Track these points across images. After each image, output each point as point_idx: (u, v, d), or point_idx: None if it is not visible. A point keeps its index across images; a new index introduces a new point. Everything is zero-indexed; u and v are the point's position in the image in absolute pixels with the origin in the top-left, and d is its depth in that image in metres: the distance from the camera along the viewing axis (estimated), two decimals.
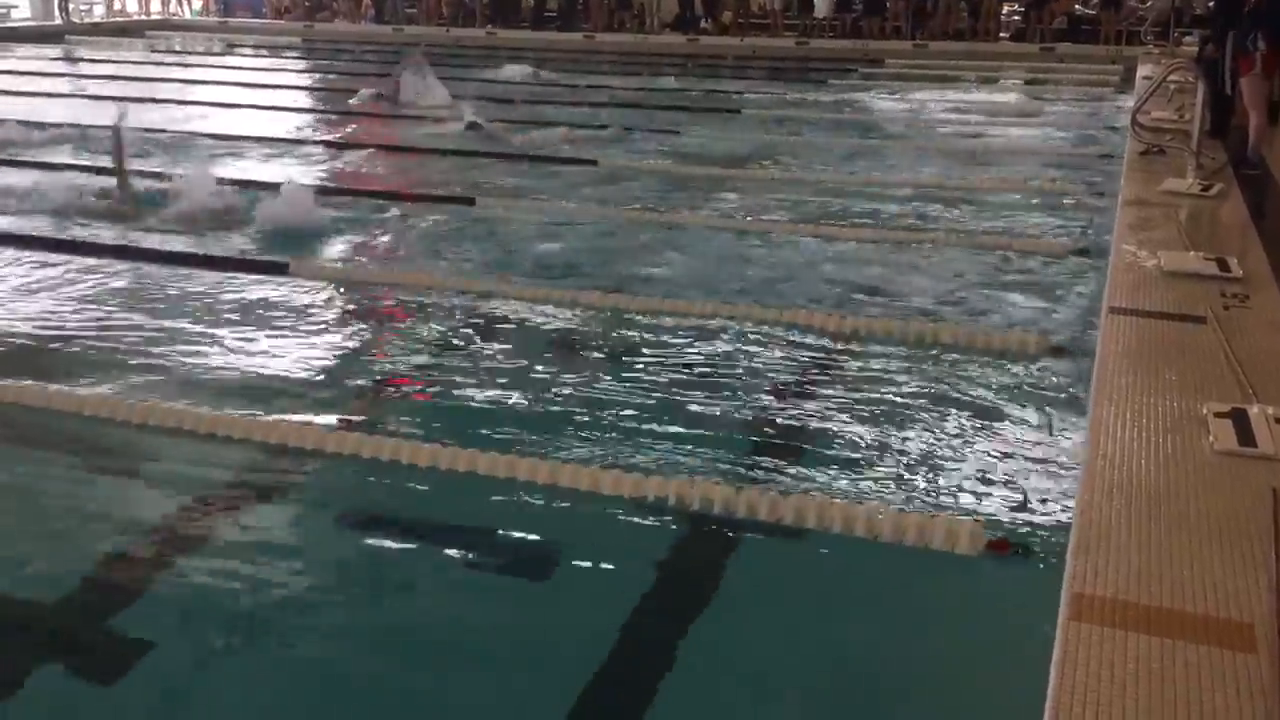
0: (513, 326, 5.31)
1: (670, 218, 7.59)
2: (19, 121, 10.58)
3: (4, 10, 23.08)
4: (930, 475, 3.75)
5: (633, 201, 8.11)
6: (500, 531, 3.47)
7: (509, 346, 5.02)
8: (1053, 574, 2.73)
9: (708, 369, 4.74)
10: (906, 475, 3.76)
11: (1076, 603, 2.36)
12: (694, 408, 4.32)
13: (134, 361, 4.75)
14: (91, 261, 6.25)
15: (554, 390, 4.49)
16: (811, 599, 3.12)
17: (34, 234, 6.83)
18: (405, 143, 10.69)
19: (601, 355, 4.94)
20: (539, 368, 4.75)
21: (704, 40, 21.47)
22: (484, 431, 4.06)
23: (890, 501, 3.56)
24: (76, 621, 3.02)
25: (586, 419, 4.19)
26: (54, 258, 6.31)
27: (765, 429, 4.18)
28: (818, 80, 16.62)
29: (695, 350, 4.96)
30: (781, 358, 4.91)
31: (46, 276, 5.98)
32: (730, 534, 3.41)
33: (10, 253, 6.43)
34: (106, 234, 6.88)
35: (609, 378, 4.63)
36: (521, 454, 3.80)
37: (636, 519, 3.47)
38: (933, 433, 4.09)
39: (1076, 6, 21.04)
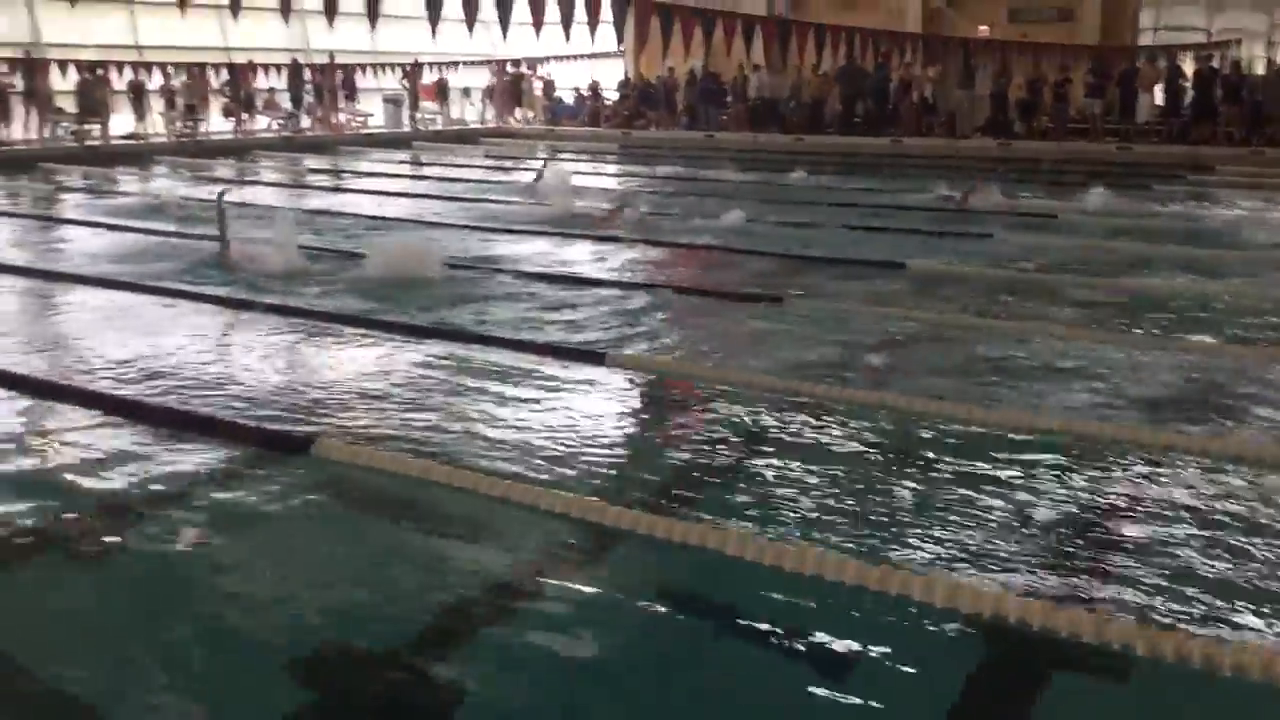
0: (820, 427, 5.29)
1: (988, 324, 7.39)
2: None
3: (363, 120, 25.82)
4: None
5: (946, 306, 7.95)
6: (801, 627, 3.42)
7: (816, 446, 5.00)
8: None
9: (1030, 481, 4.53)
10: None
11: None
12: (1011, 520, 4.13)
13: (455, 430, 5.09)
14: (413, 339, 6.79)
15: (863, 491, 4.43)
16: None
17: (366, 315, 7.48)
18: (712, 241, 11.00)
19: (913, 460, 4.83)
20: (846, 469, 4.70)
21: (1017, 145, 20.96)
22: (789, 526, 4.06)
23: (1245, 636, 3.24)
24: (401, 668, 3.22)
25: (897, 522, 4.10)
26: (382, 335, 6.90)
27: (1092, 549, 3.94)
28: (1140, 186, 15.82)
29: (1017, 461, 4.76)
30: (1114, 475, 4.62)
31: (385, 353, 6.54)
32: (1048, 654, 3.21)
33: (349, 330, 7.07)
34: (423, 317, 7.45)
35: (919, 484, 4.51)
36: (827, 550, 3.76)
37: (947, 628, 3.34)
38: None
39: None
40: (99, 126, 20.21)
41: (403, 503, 4.39)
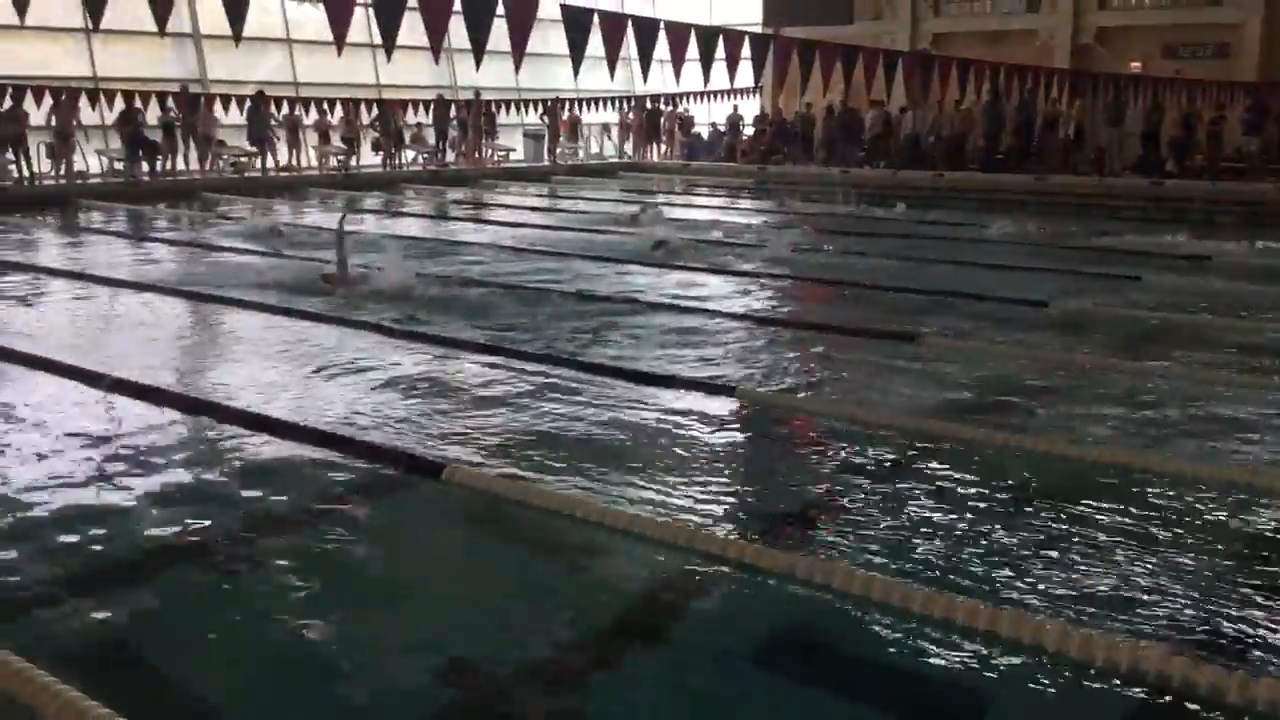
0: (952, 468, 5.16)
1: (1133, 365, 7.12)
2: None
3: (504, 154, 26.46)
4: None
5: (1089, 347, 7.69)
6: (929, 673, 3.34)
7: (946, 489, 4.88)
8: None
9: (1176, 528, 4.34)
10: None
11: None
12: (1151, 570, 3.96)
13: (583, 460, 5.14)
14: (543, 367, 6.89)
15: (997, 536, 4.31)
16: None
17: (496, 343, 7.62)
18: (846, 276, 10.89)
19: (1050, 506, 4.66)
20: (977, 512, 4.58)
21: (1169, 184, 20.20)
22: (919, 568, 3.98)
23: None
24: (520, 693, 3.25)
25: (1032, 570, 3.97)
26: (511, 362, 7.02)
27: (1234, 602, 3.74)
28: None
29: (1167, 508, 4.57)
30: (1257, 523, 4.39)
31: (514, 380, 6.65)
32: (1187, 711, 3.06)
33: (478, 356, 7.21)
34: (531, 345, 7.54)
35: (1056, 530, 4.37)
36: (958, 595, 3.67)
37: (1081, 681, 3.21)
38: None
39: None
40: (258, 158, 21.19)
41: (529, 530, 4.45)
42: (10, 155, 18.05)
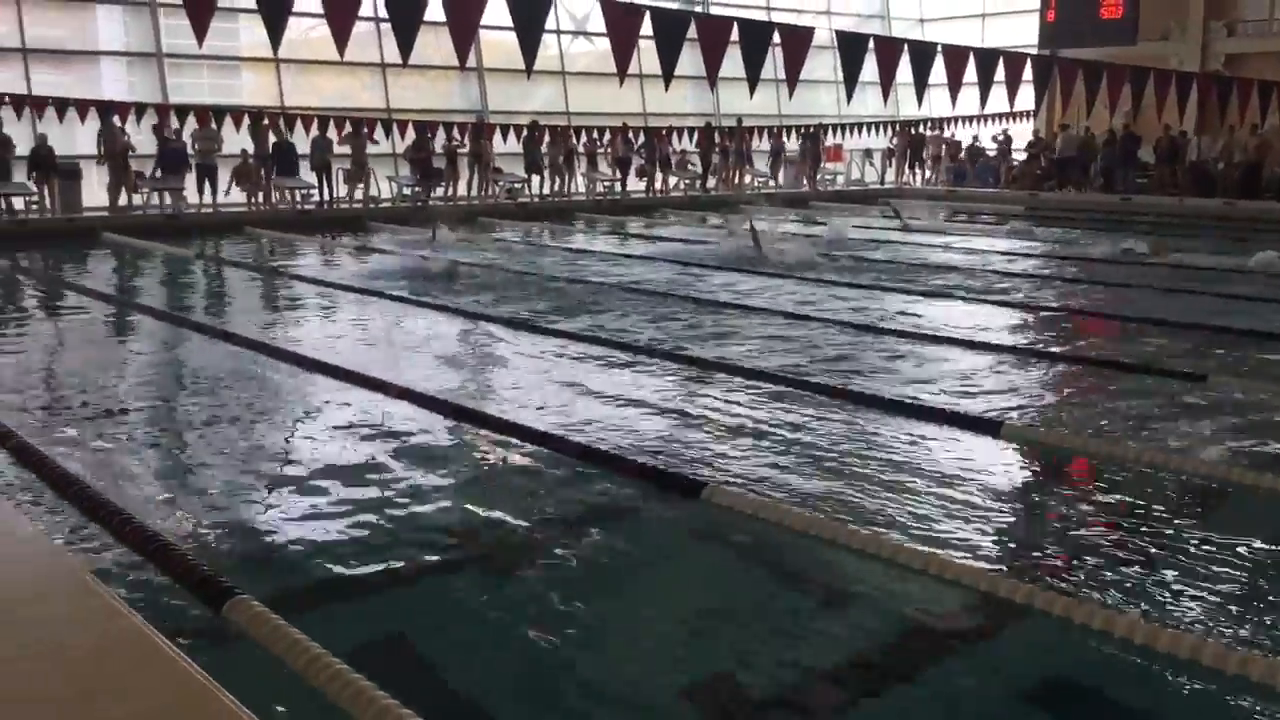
0: (1239, 520, 4.79)
1: None
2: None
3: (764, 179, 26.60)
4: None
5: None
6: None
7: (1234, 539, 4.53)
8: None
9: None
10: None
11: None
12: None
13: (843, 486, 5.09)
14: (806, 394, 6.85)
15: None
16: None
17: (760, 369, 7.64)
18: (1126, 310, 10.29)
19: None
20: (1265, 566, 4.23)
21: None
22: (1187, 615, 3.75)
23: None
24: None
25: None
26: (777, 388, 7.01)
27: None
28: None
29: None
30: None
31: (777, 404, 6.65)
32: None
33: (741, 380, 7.25)
34: (823, 377, 7.50)
35: None
36: (1230, 646, 3.41)
37: None
38: None
39: None
40: (533, 183, 22.26)
41: (787, 554, 4.45)
42: (315, 180, 19.80)
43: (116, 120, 17.97)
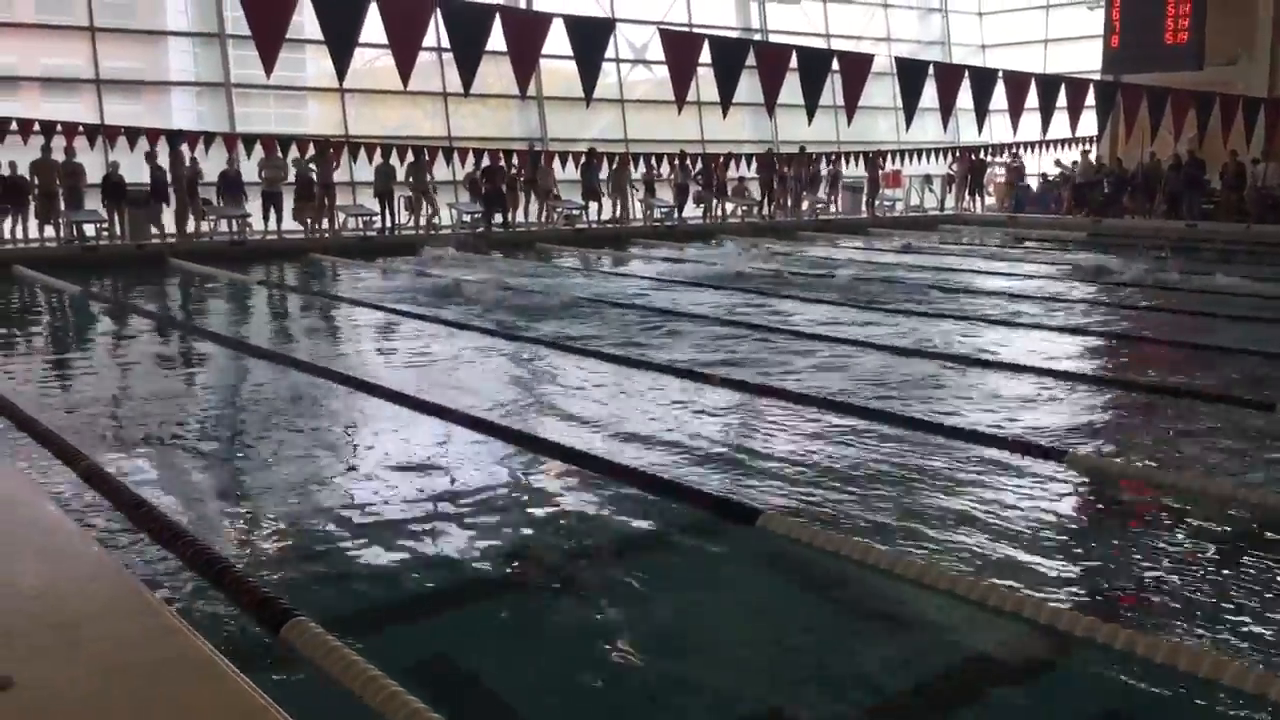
0: None
1: None
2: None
3: (822, 205, 26.53)
4: None
5: None
6: None
7: None
8: None
9: None
10: None
11: None
12: None
13: (901, 516, 5.03)
14: (859, 420, 6.78)
15: None
16: None
17: (813, 393, 7.59)
18: (1192, 338, 10.08)
19: None
20: None
21: None
22: (1253, 648, 3.67)
23: None
24: None
25: None
26: (835, 414, 6.95)
27: None
28: None
29: None
30: None
31: (835, 431, 6.60)
32: None
33: (796, 405, 7.21)
34: (853, 397, 7.42)
35: None
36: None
37: None
38: None
39: None
40: (589, 210, 22.41)
41: (843, 583, 4.41)
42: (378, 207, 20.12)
43: (185, 149, 18.38)
